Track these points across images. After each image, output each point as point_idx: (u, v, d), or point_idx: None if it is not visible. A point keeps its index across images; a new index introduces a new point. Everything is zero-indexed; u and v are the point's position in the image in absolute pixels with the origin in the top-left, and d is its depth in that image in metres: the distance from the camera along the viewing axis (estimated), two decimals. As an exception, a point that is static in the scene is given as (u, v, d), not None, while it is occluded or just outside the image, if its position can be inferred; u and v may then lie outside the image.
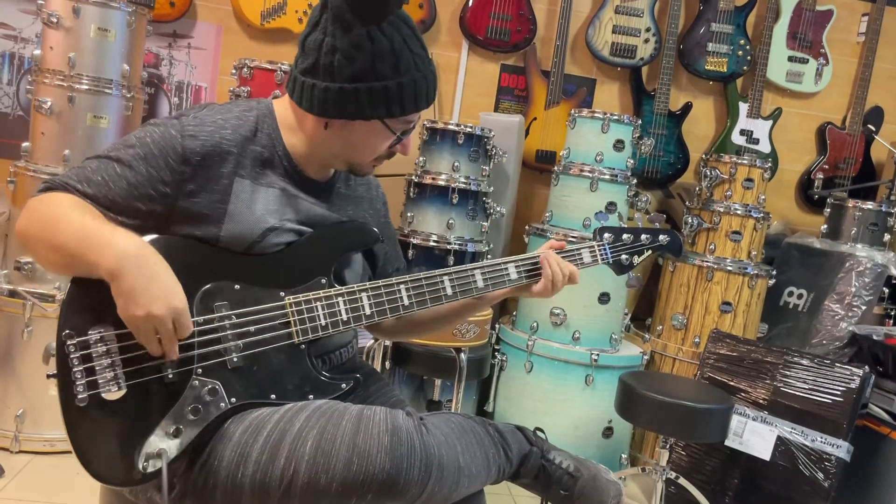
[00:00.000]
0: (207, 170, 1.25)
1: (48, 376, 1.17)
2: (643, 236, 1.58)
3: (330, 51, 1.24)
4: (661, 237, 1.60)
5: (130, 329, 1.15)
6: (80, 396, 1.14)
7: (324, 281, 1.31)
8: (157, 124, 1.27)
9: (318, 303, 1.29)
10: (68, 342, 1.15)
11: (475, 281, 1.40)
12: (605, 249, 1.54)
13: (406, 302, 1.35)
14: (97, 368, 1.15)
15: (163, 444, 1.17)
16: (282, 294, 1.28)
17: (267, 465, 1.15)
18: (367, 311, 1.32)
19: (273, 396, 1.26)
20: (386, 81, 1.25)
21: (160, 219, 1.24)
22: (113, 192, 1.21)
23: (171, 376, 1.19)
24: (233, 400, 1.22)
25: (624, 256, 1.56)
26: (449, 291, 1.38)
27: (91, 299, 1.17)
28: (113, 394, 1.16)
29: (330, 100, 1.26)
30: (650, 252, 1.59)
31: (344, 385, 1.31)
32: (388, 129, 1.31)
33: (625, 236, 1.56)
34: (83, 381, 1.14)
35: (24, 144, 2.59)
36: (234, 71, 2.79)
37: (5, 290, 2.52)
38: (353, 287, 1.32)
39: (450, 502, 1.24)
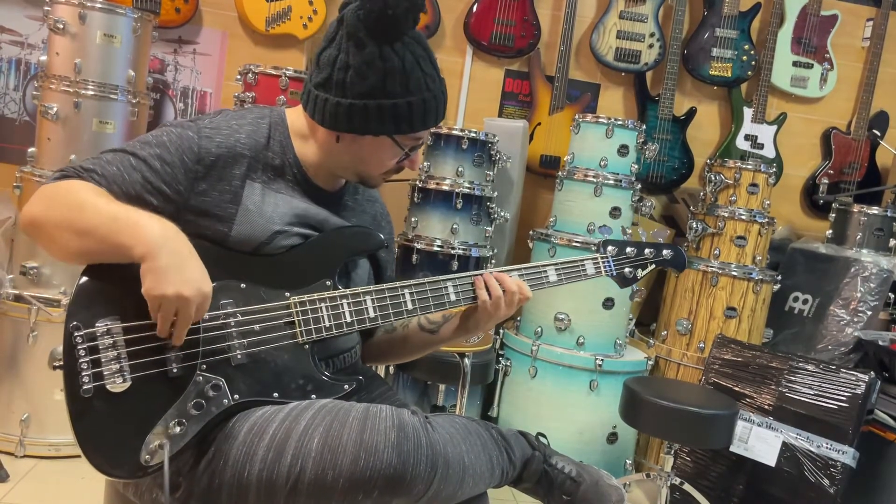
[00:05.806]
0: (220, 170, 1.29)
1: (54, 367, 1.18)
2: (647, 250, 1.59)
3: (343, 67, 1.27)
4: (665, 252, 1.60)
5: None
6: (85, 387, 1.15)
7: (328, 283, 1.33)
8: (174, 125, 1.31)
9: (323, 304, 1.31)
10: (75, 334, 1.16)
11: None
12: (608, 262, 1.55)
13: (410, 306, 1.36)
14: (103, 360, 1.17)
15: (165, 438, 1.18)
16: (287, 294, 1.29)
17: (273, 463, 1.16)
18: (371, 314, 1.34)
19: (276, 395, 1.27)
20: (395, 99, 1.28)
21: (169, 217, 1.25)
22: (127, 184, 1.23)
23: (175, 370, 1.20)
24: (236, 397, 1.23)
25: (627, 270, 1.56)
26: (452, 297, 1.39)
27: (99, 292, 1.19)
28: (118, 386, 1.17)
29: (341, 114, 1.29)
30: (654, 266, 1.60)
31: (347, 386, 1.33)
32: (396, 144, 1.34)
33: (628, 249, 1.57)
34: (89, 373, 1.16)
35: (30, 150, 2.60)
36: (238, 76, 2.81)
37: (11, 295, 2.53)
38: (358, 290, 1.34)
39: (454, 502, 1.24)
